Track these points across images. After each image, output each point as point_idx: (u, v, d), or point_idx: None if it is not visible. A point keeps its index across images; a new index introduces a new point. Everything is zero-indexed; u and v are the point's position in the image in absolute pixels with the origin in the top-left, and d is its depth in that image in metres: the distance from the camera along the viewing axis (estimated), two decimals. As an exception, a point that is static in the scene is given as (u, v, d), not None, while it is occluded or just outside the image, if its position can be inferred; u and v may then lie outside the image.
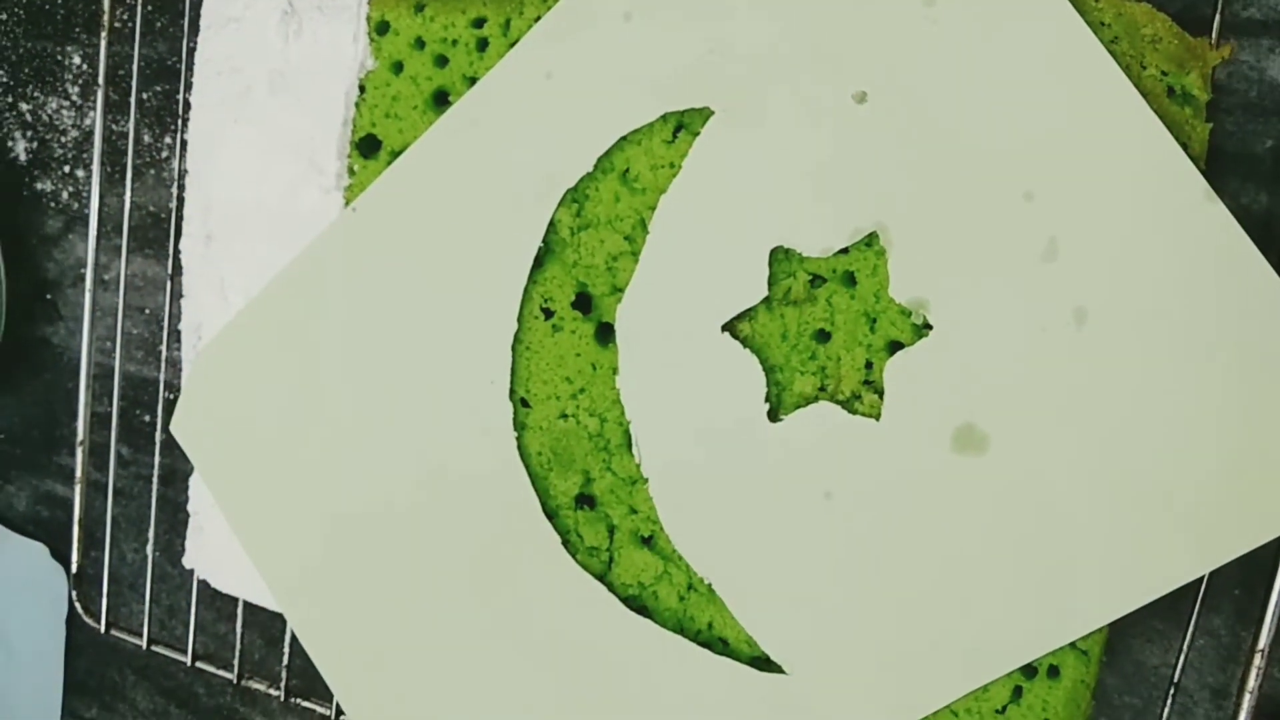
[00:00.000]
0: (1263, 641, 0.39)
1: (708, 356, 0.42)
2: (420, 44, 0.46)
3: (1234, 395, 0.36)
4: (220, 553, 0.54)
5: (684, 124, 0.42)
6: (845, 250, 0.40)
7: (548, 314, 0.44)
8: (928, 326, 0.39)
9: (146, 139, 0.58)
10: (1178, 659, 0.41)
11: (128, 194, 0.55)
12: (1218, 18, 0.39)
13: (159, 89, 0.57)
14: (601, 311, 0.44)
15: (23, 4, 0.61)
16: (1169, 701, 0.42)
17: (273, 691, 0.55)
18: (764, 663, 0.42)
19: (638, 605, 0.44)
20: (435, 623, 0.47)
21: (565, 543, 0.45)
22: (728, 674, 0.42)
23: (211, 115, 0.51)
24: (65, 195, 0.61)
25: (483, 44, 0.45)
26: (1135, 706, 0.44)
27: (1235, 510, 0.36)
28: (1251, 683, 0.39)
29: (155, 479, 0.56)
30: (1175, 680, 0.42)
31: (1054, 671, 0.41)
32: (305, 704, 0.54)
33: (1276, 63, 0.41)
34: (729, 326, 0.42)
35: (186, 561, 0.55)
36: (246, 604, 0.55)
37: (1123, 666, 0.44)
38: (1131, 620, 0.39)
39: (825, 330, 0.41)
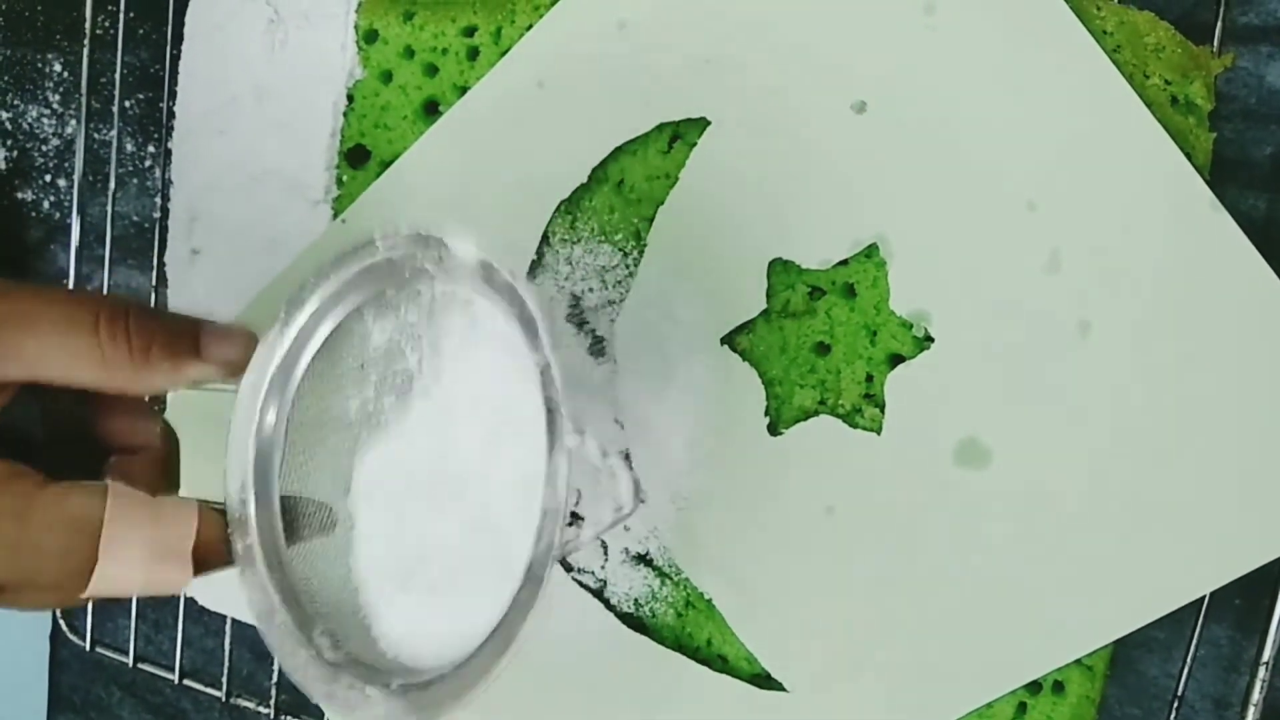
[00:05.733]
0: (1267, 654, 0.39)
1: (706, 370, 0.41)
2: (410, 53, 0.46)
3: (1240, 410, 0.36)
4: (208, 569, 0.53)
5: (680, 134, 0.41)
6: (845, 262, 0.40)
7: (542, 327, 0.44)
8: (929, 339, 0.39)
9: (129, 148, 0.57)
10: (1181, 670, 0.41)
11: (110, 204, 0.55)
12: (1219, 25, 0.38)
13: (142, 97, 0.56)
14: (596, 324, 0.43)
15: (2, 10, 0.60)
16: (1172, 713, 0.42)
17: (262, 709, 0.54)
18: (764, 680, 0.42)
19: (635, 622, 0.44)
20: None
21: (560, 560, 0.44)
22: (727, 691, 0.42)
23: (196, 125, 0.50)
24: (46, 205, 0.60)
25: (474, 52, 0.44)
26: (1136, 717, 0.44)
27: (1241, 526, 0.36)
28: (1256, 695, 0.39)
29: (141, 494, 0.55)
30: (1179, 692, 0.41)
31: (1059, 687, 0.40)
32: (295, 721, 0.53)
33: (1276, 69, 0.40)
34: (727, 339, 0.41)
35: (173, 578, 0.54)
36: (234, 620, 0.54)
37: (1124, 677, 0.44)
38: (1132, 631, 0.38)
39: (825, 343, 0.41)
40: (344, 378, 0.34)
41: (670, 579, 0.43)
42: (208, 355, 0.33)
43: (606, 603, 0.44)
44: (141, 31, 0.55)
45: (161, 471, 0.36)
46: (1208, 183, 0.36)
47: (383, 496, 0.34)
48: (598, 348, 0.43)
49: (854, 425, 0.40)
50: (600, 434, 0.35)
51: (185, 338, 0.33)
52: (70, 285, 0.55)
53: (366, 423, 0.34)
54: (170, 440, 0.36)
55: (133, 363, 0.32)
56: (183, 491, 0.37)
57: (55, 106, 0.59)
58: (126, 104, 0.56)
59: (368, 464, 0.34)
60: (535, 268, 0.44)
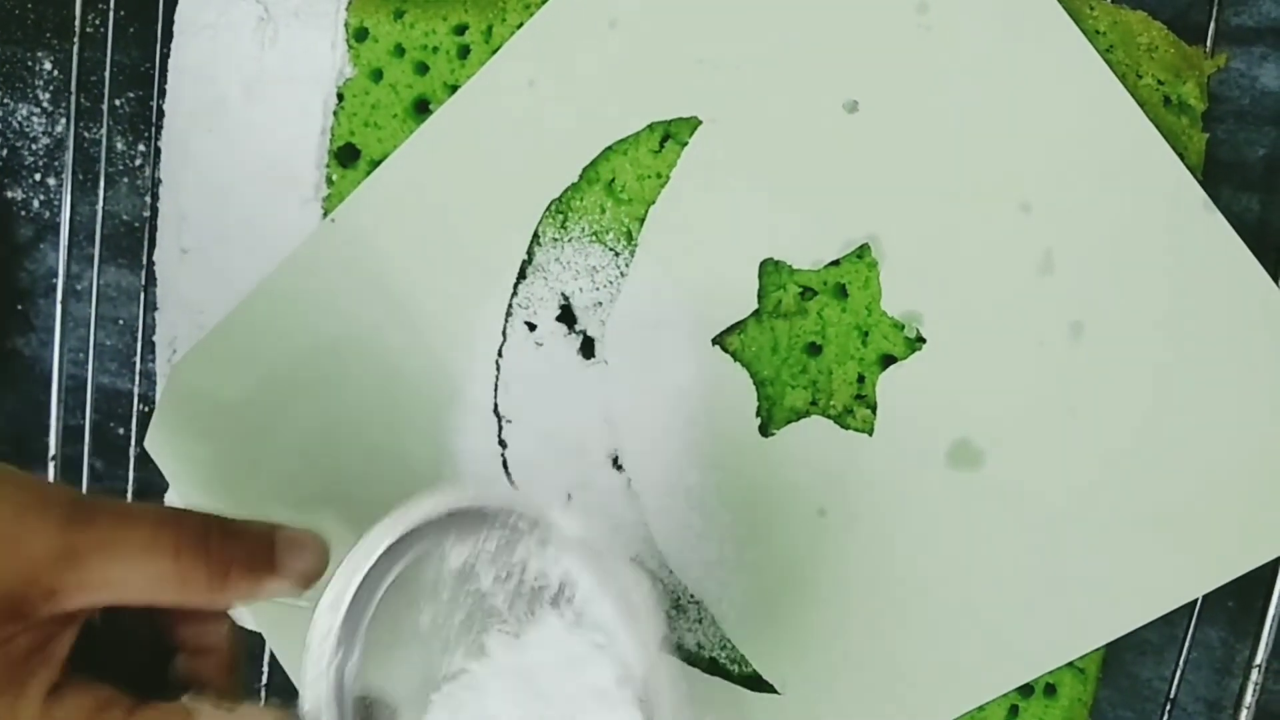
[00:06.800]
0: (1260, 657, 0.39)
1: (697, 370, 0.41)
2: (400, 51, 0.45)
3: (1234, 412, 0.36)
4: (197, 570, 0.53)
5: (671, 133, 0.41)
6: (836, 262, 0.40)
7: (531, 327, 0.44)
8: (921, 340, 0.39)
9: (119, 146, 0.56)
10: (1173, 673, 0.41)
11: (100, 202, 0.54)
12: (1212, 26, 0.38)
13: (132, 96, 0.56)
14: (586, 325, 0.43)
15: (-9, 8, 0.60)
16: (1165, 716, 0.41)
17: (252, 711, 0.53)
18: (755, 682, 0.42)
19: (626, 624, 0.43)
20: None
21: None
22: (718, 693, 0.42)
23: (185, 123, 0.50)
24: (36, 203, 0.60)
25: (464, 51, 0.44)
26: (1129, 720, 0.44)
27: (1235, 529, 0.36)
28: (1248, 698, 0.39)
29: (130, 494, 0.55)
30: (1171, 695, 0.41)
31: (1051, 690, 0.40)
32: (285, 724, 0.53)
33: (1269, 70, 0.40)
34: (719, 340, 0.41)
35: (162, 579, 0.54)
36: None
37: (1116, 679, 0.44)
38: (1125, 633, 0.38)
39: (816, 343, 0.41)
40: (418, 594, 0.35)
41: (660, 580, 0.43)
42: (283, 569, 0.34)
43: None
44: (131, 30, 0.55)
45: (229, 672, 0.36)
46: (1201, 183, 0.36)
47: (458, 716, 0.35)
48: (588, 348, 0.43)
49: (846, 426, 0.40)
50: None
51: (262, 554, 0.34)
52: (60, 284, 0.55)
53: (438, 637, 0.35)
54: (235, 639, 0.37)
55: (212, 585, 0.32)
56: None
57: (45, 105, 0.59)
58: (116, 102, 0.56)
59: (443, 687, 0.34)
60: (526, 267, 0.43)
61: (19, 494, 0.31)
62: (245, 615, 0.51)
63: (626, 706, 0.33)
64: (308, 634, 0.33)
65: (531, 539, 0.34)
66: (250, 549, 0.34)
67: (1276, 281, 0.35)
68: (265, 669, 0.52)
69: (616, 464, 0.43)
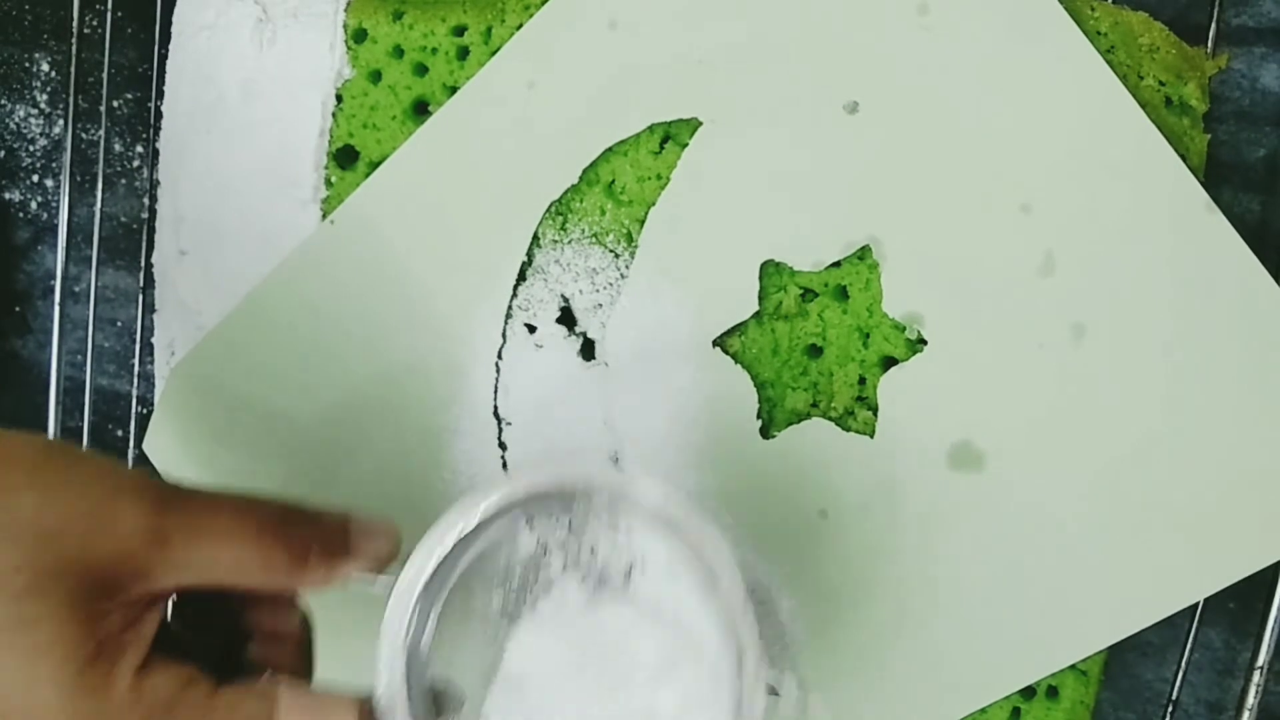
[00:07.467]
0: (1262, 658, 0.39)
1: (697, 373, 0.41)
2: (399, 52, 0.45)
3: (1236, 413, 0.36)
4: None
5: (671, 135, 0.41)
6: (837, 263, 0.40)
7: (531, 329, 0.44)
8: (922, 341, 0.39)
9: (117, 148, 0.56)
10: (1175, 675, 0.41)
11: (98, 204, 0.54)
12: (1213, 26, 0.38)
13: (130, 97, 0.56)
14: (586, 327, 0.43)
15: (-12, 9, 0.59)
16: (1167, 718, 0.41)
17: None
18: (756, 684, 0.41)
19: (626, 626, 0.43)
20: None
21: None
22: (719, 696, 0.42)
23: (184, 125, 0.50)
24: (34, 205, 0.60)
25: (463, 52, 0.44)
26: (1130, 722, 0.44)
27: (1237, 531, 0.36)
28: (1250, 699, 0.39)
29: (129, 497, 0.54)
30: (1173, 696, 0.41)
31: (1053, 692, 0.40)
32: None
33: (1269, 71, 0.40)
34: (719, 342, 0.41)
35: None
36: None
37: (1118, 681, 0.44)
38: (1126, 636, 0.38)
39: (817, 345, 0.40)
40: (490, 580, 0.35)
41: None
42: (358, 552, 0.35)
43: (597, 607, 0.43)
44: (129, 31, 0.55)
45: (302, 657, 0.37)
46: (1202, 184, 0.36)
47: (523, 695, 0.35)
48: (588, 350, 0.43)
49: (847, 428, 0.40)
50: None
51: (338, 538, 0.34)
52: (58, 286, 0.55)
53: (510, 618, 0.35)
54: (307, 625, 0.37)
55: (292, 567, 0.33)
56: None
57: (43, 106, 0.59)
58: (114, 104, 0.56)
59: (510, 661, 0.35)
60: (525, 269, 0.43)
61: (110, 478, 0.32)
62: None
63: (692, 684, 0.33)
64: (384, 617, 0.34)
65: (602, 522, 0.34)
66: (327, 533, 0.34)
67: (1278, 282, 0.35)
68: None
69: (617, 466, 0.42)
